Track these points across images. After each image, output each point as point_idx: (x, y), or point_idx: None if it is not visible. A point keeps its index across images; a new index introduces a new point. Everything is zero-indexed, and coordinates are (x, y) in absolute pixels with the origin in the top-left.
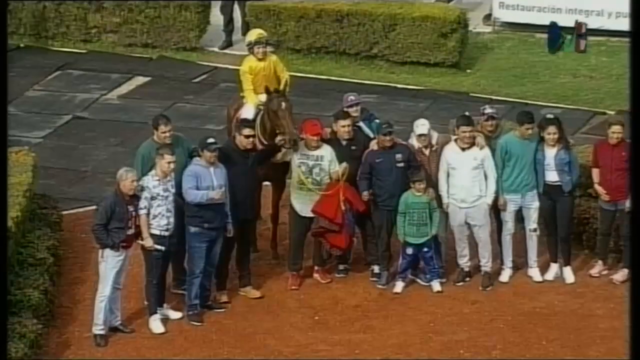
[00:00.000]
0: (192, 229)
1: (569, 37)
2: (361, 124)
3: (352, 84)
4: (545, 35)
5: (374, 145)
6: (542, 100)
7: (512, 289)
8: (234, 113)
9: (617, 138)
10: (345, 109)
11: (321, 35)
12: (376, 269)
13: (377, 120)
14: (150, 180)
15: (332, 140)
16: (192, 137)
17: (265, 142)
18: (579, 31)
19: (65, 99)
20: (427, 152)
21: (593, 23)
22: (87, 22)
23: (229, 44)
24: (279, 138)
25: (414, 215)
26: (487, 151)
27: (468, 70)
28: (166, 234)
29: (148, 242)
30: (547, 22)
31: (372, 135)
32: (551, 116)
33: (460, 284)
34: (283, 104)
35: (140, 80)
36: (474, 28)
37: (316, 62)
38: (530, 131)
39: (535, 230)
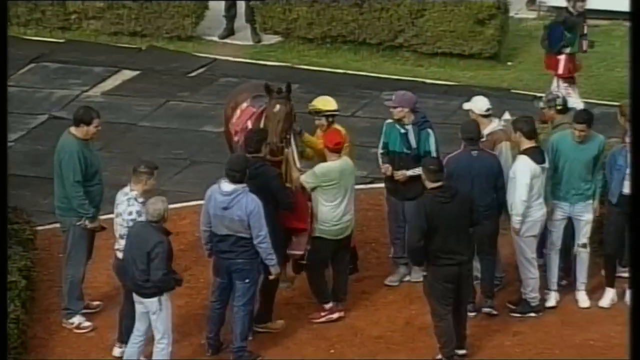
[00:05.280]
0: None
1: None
2: (409, 128)
3: (373, 79)
4: (598, 22)
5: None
6: (595, 98)
7: (560, 317)
8: (231, 112)
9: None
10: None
11: (337, 22)
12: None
13: (430, 130)
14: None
15: None
16: (188, 139)
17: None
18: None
19: (41, 96)
20: None
21: None
22: (66, 6)
23: (230, 32)
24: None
25: None
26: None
27: (509, 63)
28: None
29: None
30: (601, 7)
31: (413, 144)
32: None
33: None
34: (277, 106)
35: (127, 74)
36: (516, 13)
37: (332, 54)
38: (584, 133)
39: (584, 245)
